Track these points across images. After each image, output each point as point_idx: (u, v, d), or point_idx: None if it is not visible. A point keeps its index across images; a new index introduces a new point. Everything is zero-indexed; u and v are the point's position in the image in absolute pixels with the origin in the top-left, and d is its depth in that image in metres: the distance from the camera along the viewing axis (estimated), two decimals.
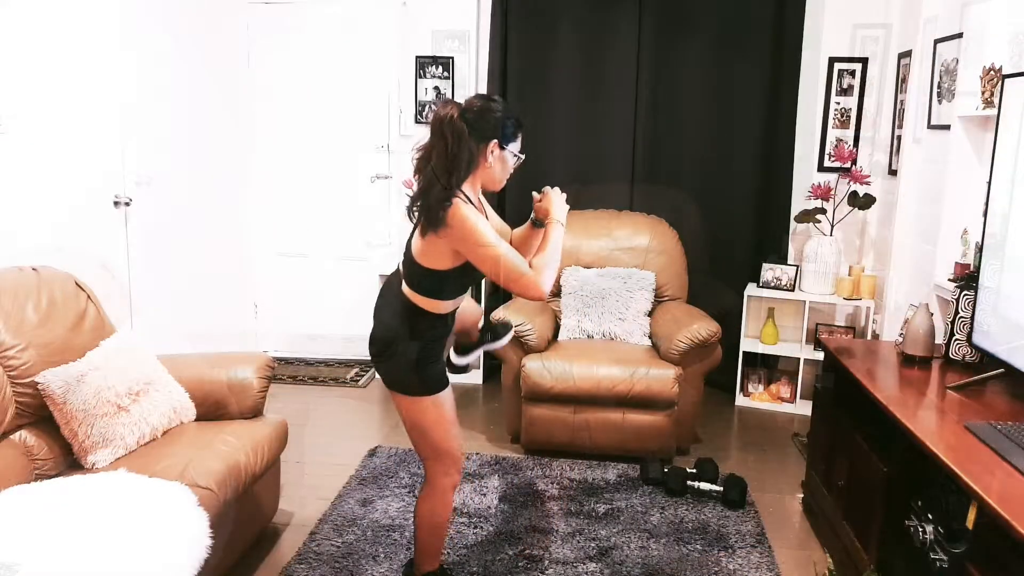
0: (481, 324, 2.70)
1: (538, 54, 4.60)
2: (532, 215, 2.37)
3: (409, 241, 2.27)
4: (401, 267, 2.30)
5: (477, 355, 2.69)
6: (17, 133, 3.25)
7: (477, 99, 2.19)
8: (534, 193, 2.36)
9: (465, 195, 2.14)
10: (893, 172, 4.11)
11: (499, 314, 2.74)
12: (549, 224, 2.24)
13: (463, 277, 2.23)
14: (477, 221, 2.07)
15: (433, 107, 4.73)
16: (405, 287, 2.25)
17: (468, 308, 2.59)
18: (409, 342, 2.24)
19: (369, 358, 2.37)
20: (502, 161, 2.20)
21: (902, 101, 4.03)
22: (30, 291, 2.58)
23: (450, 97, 2.14)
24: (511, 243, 2.35)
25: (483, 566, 2.78)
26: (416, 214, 2.17)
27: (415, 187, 2.20)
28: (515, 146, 2.22)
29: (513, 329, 2.82)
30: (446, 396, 2.33)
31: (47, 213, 3.42)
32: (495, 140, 2.15)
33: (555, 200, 2.29)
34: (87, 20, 3.59)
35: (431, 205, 2.08)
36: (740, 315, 4.45)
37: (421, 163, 2.16)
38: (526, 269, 2.11)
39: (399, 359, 2.25)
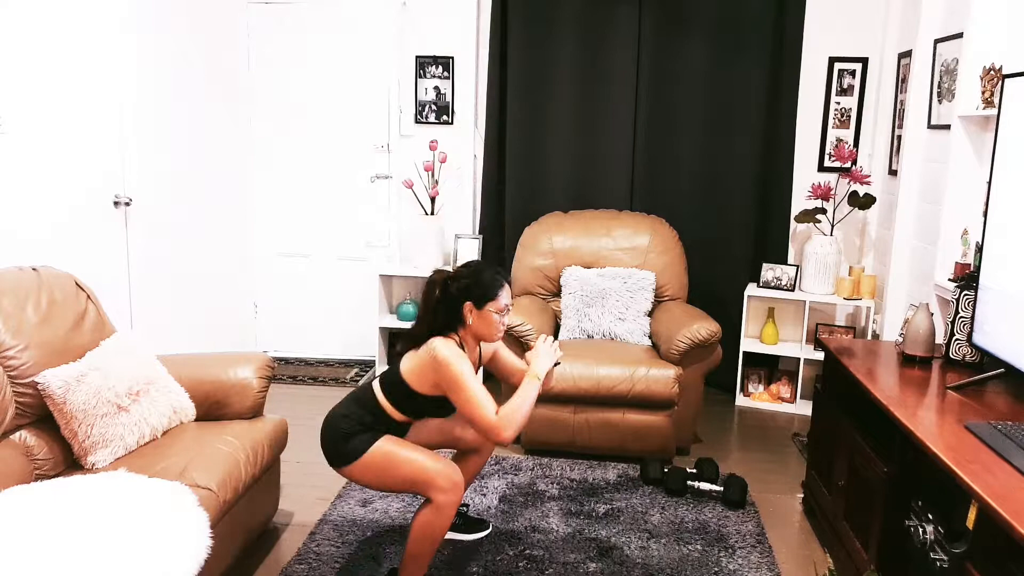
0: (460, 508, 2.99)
1: (538, 53, 4.60)
2: (525, 358, 2.60)
3: (396, 364, 2.53)
4: (382, 374, 2.56)
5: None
6: (17, 133, 3.25)
7: (462, 267, 2.51)
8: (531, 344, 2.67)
9: (460, 343, 2.46)
10: (893, 172, 4.11)
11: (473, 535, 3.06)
12: (527, 377, 2.46)
13: (431, 407, 2.50)
14: (458, 364, 2.34)
15: (434, 107, 4.76)
16: (376, 384, 2.52)
17: (458, 423, 2.82)
18: (350, 420, 2.46)
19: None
20: (482, 318, 2.45)
21: (902, 101, 4.03)
22: (30, 291, 2.58)
23: (438, 268, 2.67)
24: (504, 366, 2.73)
25: (483, 566, 2.78)
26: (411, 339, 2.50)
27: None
28: (495, 304, 2.45)
29: (490, 527, 3.02)
30: (382, 444, 2.44)
31: (47, 213, 3.42)
32: (469, 303, 2.44)
33: (540, 354, 2.51)
34: (87, 20, 3.59)
35: (414, 339, 2.47)
36: (740, 315, 4.45)
37: (420, 316, 2.51)
38: (492, 417, 2.32)
39: (336, 434, 2.45)
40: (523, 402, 2.37)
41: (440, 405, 2.48)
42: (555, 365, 2.55)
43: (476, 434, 2.80)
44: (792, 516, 3.24)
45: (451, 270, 2.51)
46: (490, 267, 2.50)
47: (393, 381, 2.48)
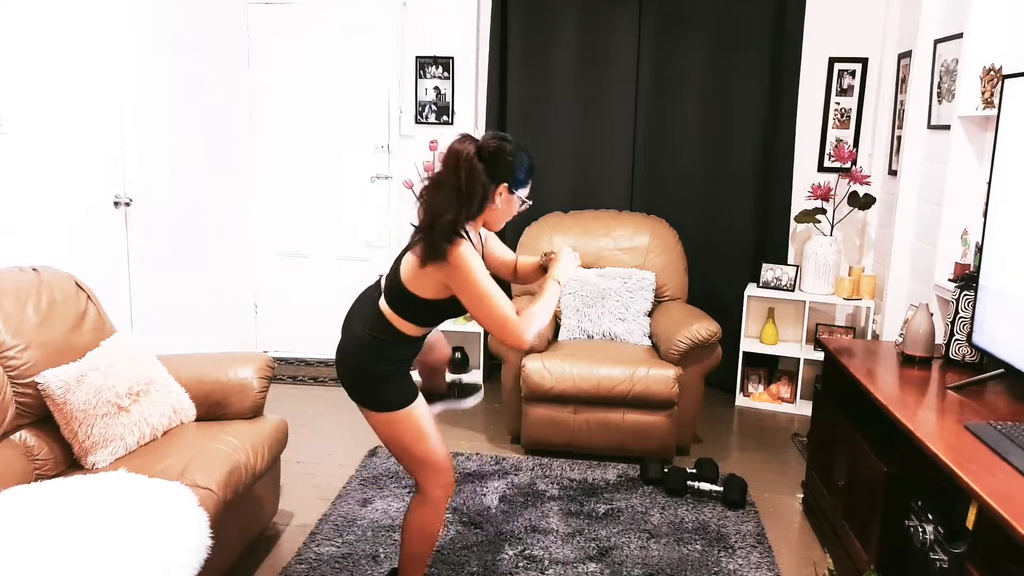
0: (451, 380, 2.76)
1: (538, 53, 4.60)
2: (543, 258, 2.43)
3: (398, 260, 2.26)
4: (383, 281, 2.30)
5: (441, 408, 2.70)
6: (17, 133, 3.25)
7: (493, 139, 2.17)
8: (552, 250, 2.40)
9: (466, 233, 2.16)
10: (893, 172, 4.11)
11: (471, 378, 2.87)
12: (548, 279, 2.26)
13: (444, 310, 2.23)
14: (476, 264, 2.08)
15: (434, 108, 4.76)
16: (383, 303, 2.24)
17: (438, 344, 2.60)
18: (377, 357, 2.23)
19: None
20: (508, 204, 2.22)
21: (902, 101, 4.03)
22: (30, 291, 2.58)
23: (467, 133, 2.20)
24: (516, 269, 2.44)
25: (483, 566, 2.78)
26: (417, 240, 2.16)
27: (418, 212, 2.19)
28: (524, 191, 2.24)
29: (482, 391, 2.86)
30: (419, 406, 2.28)
31: (47, 213, 3.42)
32: (506, 183, 2.16)
33: (563, 261, 2.32)
34: (87, 20, 3.59)
35: (435, 238, 2.06)
36: (740, 315, 4.45)
37: (428, 192, 2.15)
38: (513, 316, 2.11)
39: (366, 374, 2.24)
40: (546, 304, 2.18)
41: (452, 306, 2.21)
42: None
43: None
44: (792, 516, 3.24)
45: (477, 138, 2.15)
46: (521, 145, 2.23)
47: (399, 294, 2.20)
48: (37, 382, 2.40)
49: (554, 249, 2.39)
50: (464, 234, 2.11)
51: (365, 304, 2.31)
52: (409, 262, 2.18)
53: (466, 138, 2.13)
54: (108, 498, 2.06)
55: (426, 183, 2.17)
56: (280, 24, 4.84)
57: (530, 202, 2.28)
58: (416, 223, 2.20)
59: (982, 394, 2.48)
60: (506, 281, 2.48)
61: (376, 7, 4.75)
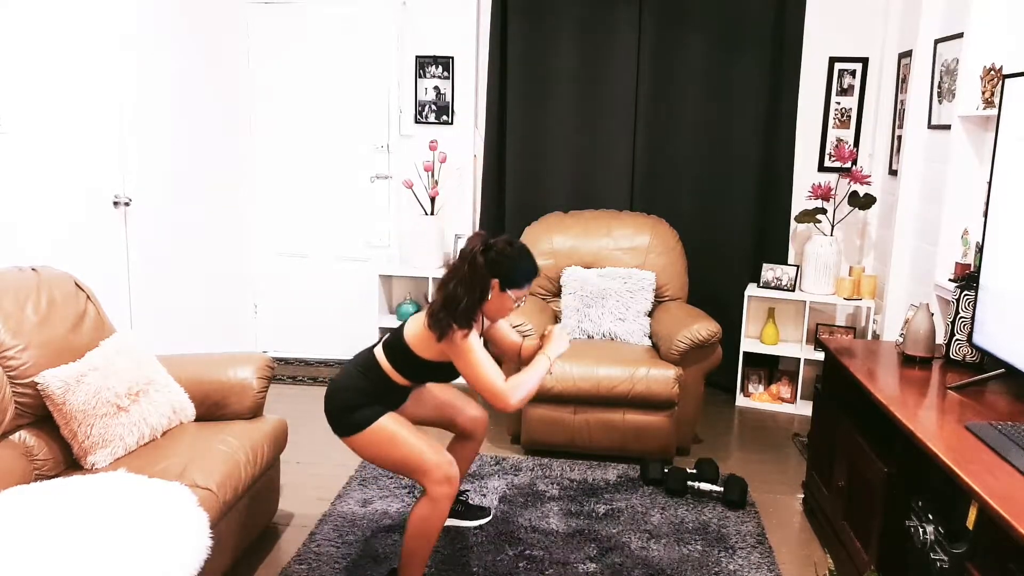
0: (460, 499, 3.06)
1: (538, 53, 4.60)
2: (542, 339, 2.64)
3: (405, 323, 2.53)
4: (385, 339, 2.56)
5: (447, 523, 2.90)
6: (17, 133, 3.25)
7: (503, 242, 2.43)
8: (549, 328, 2.65)
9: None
10: (893, 172, 4.11)
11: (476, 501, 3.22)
12: (540, 354, 2.52)
13: (436, 371, 2.50)
14: (477, 346, 2.35)
15: (434, 107, 4.76)
16: (379, 349, 2.53)
17: (454, 405, 2.86)
18: (354, 388, 2.48)
19: None
20: (500, 299, 2.43)
21: (902, 101, 4.03)
22: (30, 291, 2.57)
23: (482, 232, 2.50)
24: (521, 352, 2.74)
25: (483, 566, 2.78)
26: (429, 322, 2.40)
27: (436, 292, 2.44)
28: (517, 292, 2.45)
29: (491, 515, 3.11)
30: (387, 419, 2.46)
31: (47, 213, 3.42)
32: (497, 279, 2.39)
33: (555, 339, 2.56)
34: (87, 20, 3.59)
35: (449, 322, 2.33)
36: (740, 315, 4.45)
37: (447, 280, 2.40)
38: (502, 385, 2.36)
39: (340, 402, 2.47)
40: (532, 376, 2.43)
41: (443, 370, 2.48)
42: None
43: (470, 418, 2.86)
44: (792, 516, 3.24)
45: (490, 239, 2.44)
46: (529, 255, 2.48)
47: (397, 346, 2.48)
48: (37, 382, 2.40)
49: (550, 328, 2.63)
50: (474, 321, 2.36)
51: (353, 361, 2.58)
52: (418, 328, 2.45)
53: (477, 235, 2.44)
54: (108, 498, 2.06)
55: (447, 272, 2.46)
56: (280, 24, 4.84)
57: (523, 302, 2.50)
58: (431, 300, 2.48)
59: (982, 394, 2.48)
60: (511, 361, 2.79)
61: (376, 7, 4.75)
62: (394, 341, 2.50)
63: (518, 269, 2.43)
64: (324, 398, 2.52)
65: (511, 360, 2.79)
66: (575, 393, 3.54)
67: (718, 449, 3.89)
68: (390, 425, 2.46)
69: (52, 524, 1.91)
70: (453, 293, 2.35)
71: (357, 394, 2.47)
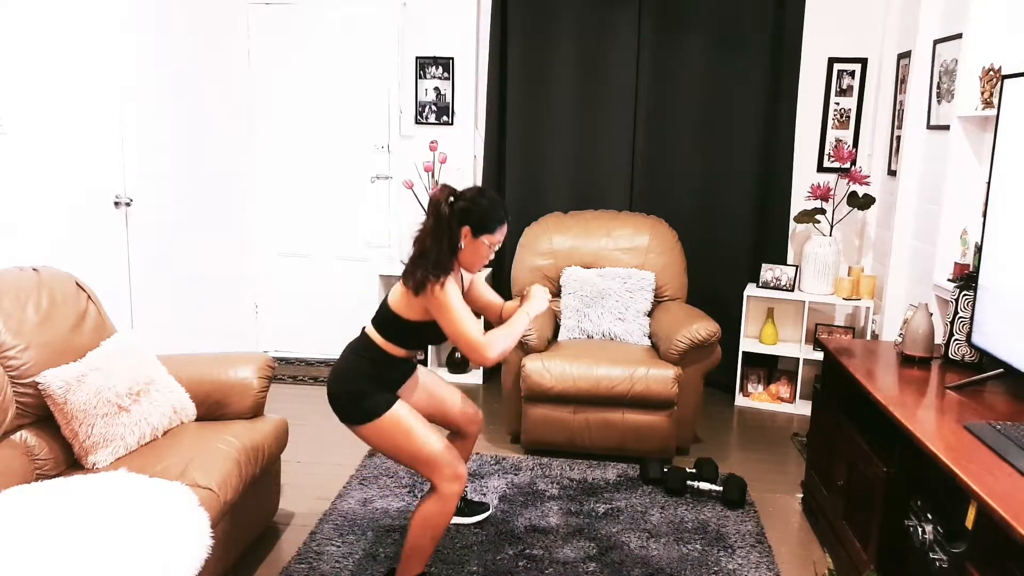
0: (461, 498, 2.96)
1: (538, 54, 4.60)
2: (521, 302, 2.64)
3: (389, 292, 2.54)
4: (373, 318, 2.56)
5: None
6: (17, 133, 3.25)
7: (470, 190, 2.46)
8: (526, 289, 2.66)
9: (451, 269, 2.39)
10: (893, 172, 4.12)
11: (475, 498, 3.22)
12: (519, 311, 2.53)
13: (425, 332, 2.49)
14: (454, 297, 2.35)
15: (434, 108, 4.76)
16: (370, 326, 2.54)
17: (448, 400, 2.83)
18: (358, 373, 2.47)
19: None
20: (474, 246, 2.44)
21: (902, 101, 4.03)
22: (30, 291, 2.58)
23: (447, 184, 2.52)
24: (502, 313, 2.73)
25: (483, 566, 2.78)
26: (403, 276, 2.43)
27: (411, 249, 2.45)
28: (490, 237, 2.45)
29: (490, 511, 3.12)
30: (400, 409, 2.45)
31: (47, 213, 3.43)
32: (468, 226, 2.41)
33: (535, 297, 2.58)
34: (87, 20, 3.59)
35: (423, 274, 2.34)
36: (739, 315, 4.45)
37: (420, 235, 2.43)
38: (480, 338, 2.35)
39: (347, 389, 2.46)
40: (510, 331, 2.43)
41: (432, 330, 2.46)
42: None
43: (462, 412, 2.85)
44: (792, 516, 3.24)
45: (458, 189, 2.46)
46: (499, 201, 2.50)
47: (386, 317, 2.49)
48: (37, 382, 2.40)
49: (529, 288, 2.64)
50: (448, 270, 2.36)
51: (350, 347, 2.58)
52: (399, 292, 2.47)
53: (443, 188, 2.45)
54: (108, 498, 2.06)
55: (418, 230, 2.47)
56: (280, 24, 4.84)
57: (497, 246, 2.49)
58: (408, 256, 2.48)
59: (981, 394, 2.49)
60: (491, 322, 2.77)
61: (376, 7, 4.75)
62: (382, 313, 2.51)
63: (488, 213, 2.42)
64: (328, 383, 2.50)
65: (492, 320, 2.78)
66: (575, 393, 3.54)
67: (717, 449, 3.89)
68: (406, 417, 2.44)
69: (53, 524, 1.91)
70: (423, 246, 2.38)
71: (362, 379, 2.45)
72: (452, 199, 2.41)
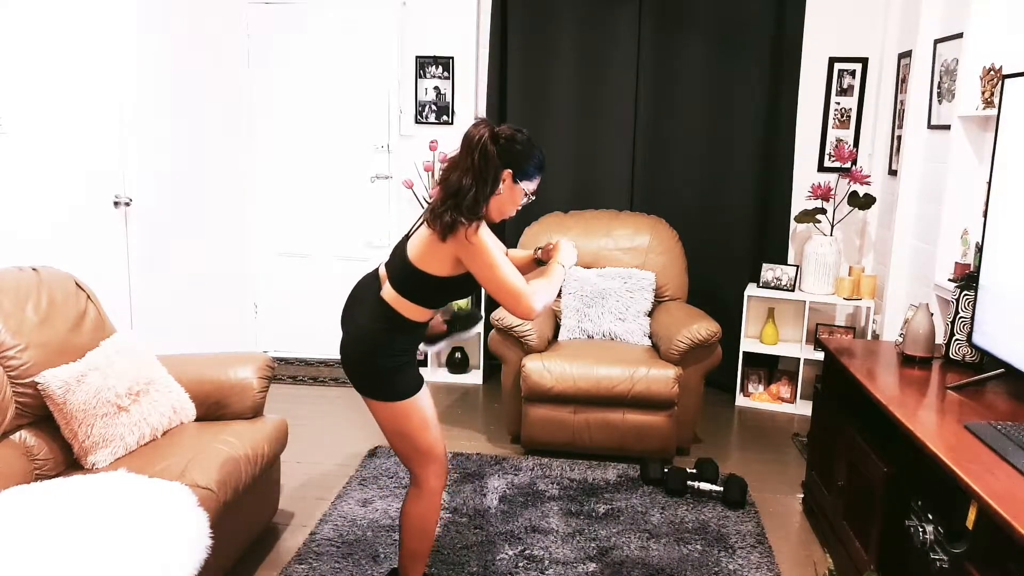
0: (447, 316, 2.66)
1: (538, 53, 4.60)
2: (536, 252, 2.47)
3: (401, 245, 2.27)
4: (384, 270, 2.30)
5: (445, 344, 2.66)
6: (17, 133, 3.25)
7: (509, 128, 2.21)
8: (548, 242, 2.46)
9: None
10: (893, 172, 4.11)
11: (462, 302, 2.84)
12: (553, 263, 2.33)
13: (457, 288, 2.24)
14: (491, 243, 2.13)
15: (434, 108, 4.76)
16: (388, 291, 2.24)
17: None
18: (381, 347, 2.24)
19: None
20: (511, 192, 2.22)
21: (902, 101, 4.03)
22: (30, 291, 2.58)
23: (484, 118, 2.27)
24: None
25: (483, 566, 2.78)
26: (429, 219, 2.16)
27: (433, 194, 2.18)
28: (529, 184, 2.25)
29: (481, 319, 2.81)
30: (423, 396, 2.31)
31: (47, 213, 3.43)
32: (511, 170, 2.18)
33: (564, 248, 2.39)
34: (87, 20, 3.59)
35: (453, 217, 2.08)
36: (740, 315, 4.45)
37: (446, 173, 2.19)
38: (525, 288, 2.15)
39: (371, 367, 2.25)
40: (550, 282, 2.25)
41: (465, 285, 2.24)
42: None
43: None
44: (792, 516, 3.24)
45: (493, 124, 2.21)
46: (538, 145, 2.27)
47: (408, 275, 2.20)
48: (37, 382, 2.40)
49: (551, 241, 2.45)
50: (482, 216, 2.14)
51: (364, 297, 2.33)
52: (421, 241, 2.18)
53: (482, 122, 2.18)
54: (108, 498, 2.06)
55: (444, 165, 2.21)
56: (280, 24, 4.84)
57: (533, 197, 2.29)
58: (430, 200, 2.18)
59: (982, 394, 2.48)
60: None
61: (376, 7, 4.75)
62: (402, 274, 2.21)
63: (532, 157, 2.22)
64: (346, 362, 2.30)
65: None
66: (575, 393, 3.54)
67: (718, 449, 3.89)
68: (428, 406, 2.31)
69: (52, 524, 1.91)
70: (459, 185, 2.10)
71: (385, 352, 2.23)
72: (493, 136, 2.15)
